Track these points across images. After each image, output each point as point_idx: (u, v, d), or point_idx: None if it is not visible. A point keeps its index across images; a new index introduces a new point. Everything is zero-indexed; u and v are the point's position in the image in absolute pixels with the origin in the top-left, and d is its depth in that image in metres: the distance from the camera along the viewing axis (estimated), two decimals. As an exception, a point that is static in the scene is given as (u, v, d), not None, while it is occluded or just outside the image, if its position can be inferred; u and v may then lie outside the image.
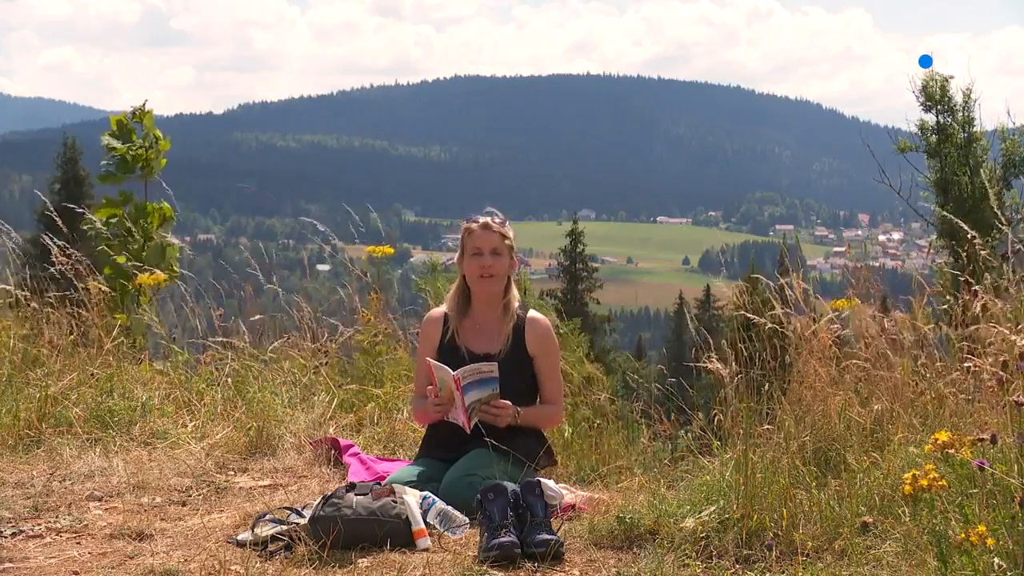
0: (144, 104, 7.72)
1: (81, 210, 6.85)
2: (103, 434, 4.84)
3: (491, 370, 4.03)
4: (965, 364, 3.99)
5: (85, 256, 6.22)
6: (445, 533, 3.59)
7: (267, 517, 3.65)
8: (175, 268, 7.23)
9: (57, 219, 6.42)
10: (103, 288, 6.08)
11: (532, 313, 4.30)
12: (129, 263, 6.92)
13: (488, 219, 4.24)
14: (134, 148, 7.53)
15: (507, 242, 4.23)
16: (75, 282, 6.00)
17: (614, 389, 5.52)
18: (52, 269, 6.03)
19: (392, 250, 6.22)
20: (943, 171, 19.27)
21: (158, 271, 6.40)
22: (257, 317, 6.00)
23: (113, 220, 7.42)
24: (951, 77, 20.00)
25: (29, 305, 5.88)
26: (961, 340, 4.22)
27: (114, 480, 4.31)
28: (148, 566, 3.30)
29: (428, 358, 4.14)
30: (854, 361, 4.27)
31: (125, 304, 6.64)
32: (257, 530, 3.54)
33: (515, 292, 4.31)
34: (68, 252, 6.06)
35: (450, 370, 3.98)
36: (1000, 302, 4.04)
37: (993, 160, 19.46)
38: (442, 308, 4.38)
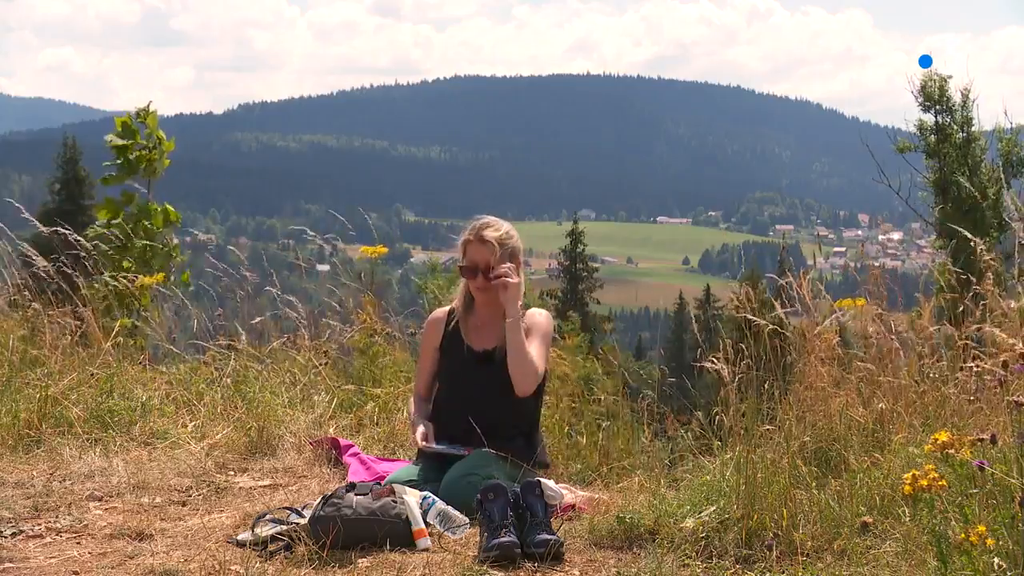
0: (148, 105, 7.73)
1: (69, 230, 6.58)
2: (103, 434, 4.84)
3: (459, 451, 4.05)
4: (968, 364, 3.98)
5: (86, 257, 6.22)
6: (445, 533, 3.59)
7: (267, 517, 3.65)
8: (185, 276, 7.23)
9: (58, 220, 6.40)
10: (114, 283, 6.08)
11: (531, 310, 4.31)
12: (129, 265, 6.93)
13: (484, 232, 4.20)
14: (137, 149, 7.53)
15: (506, 250, 4.20)
16: (76, 281, 5.99)
17: (617, 389, 5.51)
18: (60, 258, 6.00)
19: (386, 249, 6.20)
20: (942, 171, 19.29)
21: (160, 272, 6.40)
22: (257, 320, 5.99)
23: (115, 221, 7.41)
24: (949, 77, 20.02)
25: (30, 306, 5.88)
26: (963, 340, 4.22)
27: (114, 480, 4.31)
28: (148, 566, 3.30)
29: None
30: (859, 363, 4.26)
31: (127, 305, 6.63)
32: (257, 530, 3.54)
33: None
34: (71, 251, 6.05)
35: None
36: (1008, 303, 4.03)
37: (992, 161, 19.49)
38: (446, 308, 4.41)
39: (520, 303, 4.28)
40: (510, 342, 4.10)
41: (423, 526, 3.51)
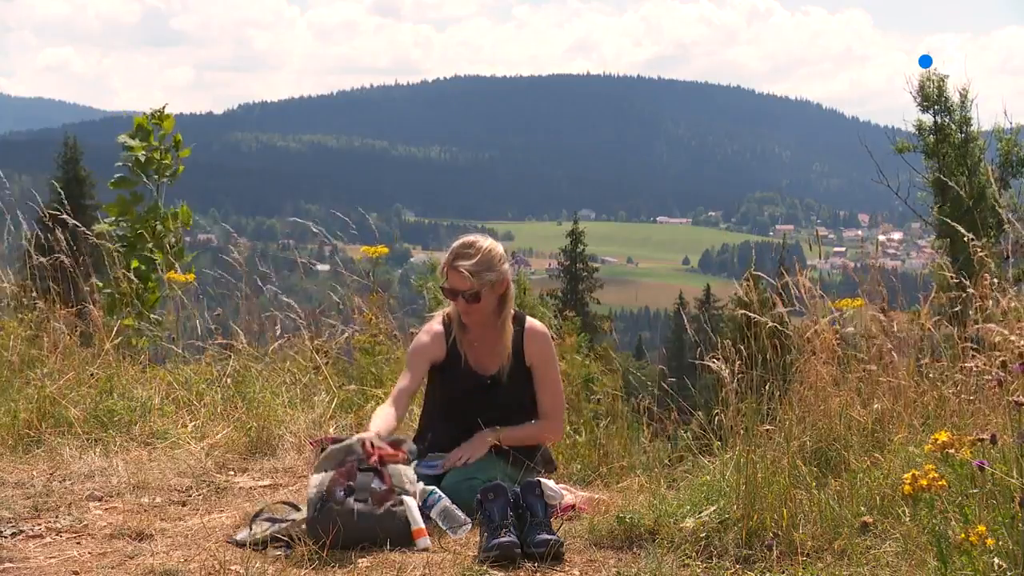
0: (164, 108, 7.73)
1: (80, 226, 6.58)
2: (103, 434, 4.84)
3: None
4: (967, 364, 3.98)
5: (88, 257, 6.22)
6: (447, 532, 3.58)
7: (264, 516, 3.64)
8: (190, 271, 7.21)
9: (65, 216, 6.37)
10: (132, 279, 6.11)
11: (530, 322, 4.21)
12: (138, 264, 6.93)
13: (457, 262, 4.04)
14: (149, 151, 7.52)
15: (483, 282, 4.03)
16: (78, 281, 5.99)
17: (617, 388, 5.51)
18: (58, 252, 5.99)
19: (387, 250, 6.19)
20: (941, 171, 19.27)
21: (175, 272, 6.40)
22: (256, 319, 5.99)
23: (124, 221, 7.40)
24: (946, 77, 20.01)
25: (33, 307, 5.86)
26: (964, 340, 4.21)
27: (114, 480, 4.31)
28: (148, 566, 3.30)
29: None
30: (857, 362, 4.25)
31: (131, 305, 6.61)
32: (254, 527, 3.54)
33: (510, 307, 4.17)
34: (73, 249, 6.05)
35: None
36: (1004, 300, 4.03)
37: (990, 161, 19.48)
38: (437, 323, 4.23)
39: (515, 310, 4.21)
40: (520, 443, 4.09)
41: (423, 526, 3.50)
